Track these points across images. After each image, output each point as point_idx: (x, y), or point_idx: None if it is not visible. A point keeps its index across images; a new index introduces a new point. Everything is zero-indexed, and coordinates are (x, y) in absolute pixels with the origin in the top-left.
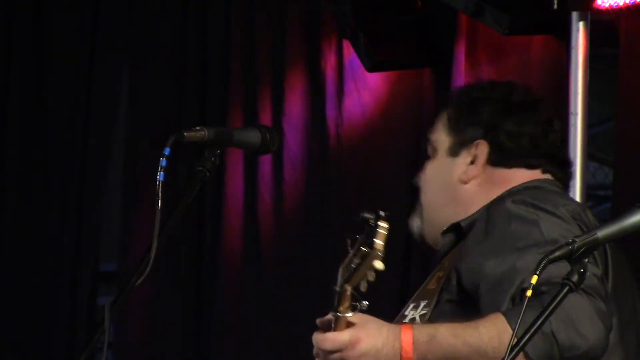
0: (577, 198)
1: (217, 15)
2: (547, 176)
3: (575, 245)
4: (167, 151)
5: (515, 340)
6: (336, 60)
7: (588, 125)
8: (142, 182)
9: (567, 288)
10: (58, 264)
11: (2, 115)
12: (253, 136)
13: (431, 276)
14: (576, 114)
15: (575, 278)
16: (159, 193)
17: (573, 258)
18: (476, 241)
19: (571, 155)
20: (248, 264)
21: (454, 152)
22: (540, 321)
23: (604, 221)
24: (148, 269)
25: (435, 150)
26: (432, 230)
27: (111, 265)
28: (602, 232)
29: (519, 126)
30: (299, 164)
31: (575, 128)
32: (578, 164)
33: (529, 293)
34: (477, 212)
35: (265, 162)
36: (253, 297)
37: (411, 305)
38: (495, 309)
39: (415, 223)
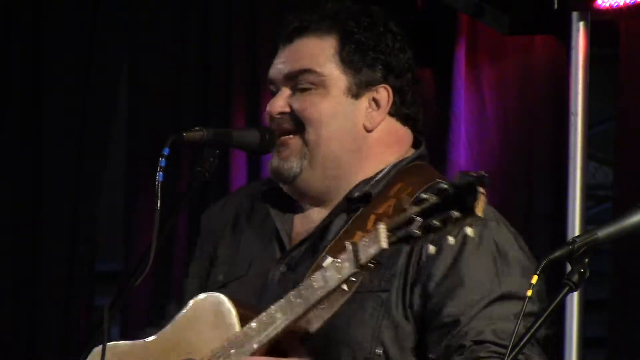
0: (577, 198)
1: (219, 14)
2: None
3: (576, 245)
4: (166, 152)
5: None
6: None
7: (588, 125)
8: (143, 182)
9: (567, 288)
10: (54, 264)
11: None
12: (252, 136)
13: (345, 230)
14: (576, 114)
15: (575, 278)
16: (158, 193)
17: (573, 258)
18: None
19: (571, 155)
20: None
21: (355, 93)
22: (540, 321)
23: (604, 221)
24: (147, 269)
25: (324, 86)
26: (317, 176)
27: (111, 266)
28: (603, 232)
29: (411, 65)
30: None
31: (575, 128)
32: (578, 164)
33: (529, 293)
34: (381, 176)
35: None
36: None
37: (330, 260)
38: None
39: (291, 164)
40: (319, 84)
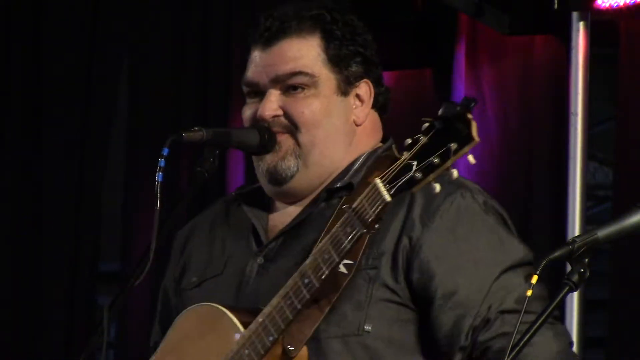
0: (577, 198)
1: (219, 14)
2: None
3: (576, 245)
4: (165, 152)
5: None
6: None
7: (588, 125)
8: (143, 182)
9: (567, 288)
10: (57, 264)
11: (0, 112)
12: (251, 136)
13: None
14: (576, 114)
15: (575, 278)
16: (157, 194)
17: (573, 258)
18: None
19: (571, 155)
20: None
21: (344, 91)
22: (540, 320)
23: (604, 221)
24: (147, 270)
25: (316, 86)
26: (311, 176)
27: (111, 266)
28: (603, 232)
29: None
30: None
31: (575, 128)
32: (578, 164)
33: (529, 293)
34: (359, 165)
35: None
36: None
37: (334, 228)
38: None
39: (288, 162)
40: (311, 85)
